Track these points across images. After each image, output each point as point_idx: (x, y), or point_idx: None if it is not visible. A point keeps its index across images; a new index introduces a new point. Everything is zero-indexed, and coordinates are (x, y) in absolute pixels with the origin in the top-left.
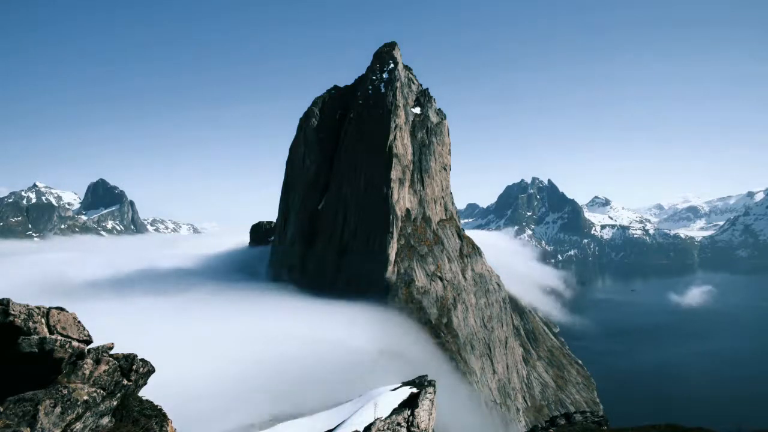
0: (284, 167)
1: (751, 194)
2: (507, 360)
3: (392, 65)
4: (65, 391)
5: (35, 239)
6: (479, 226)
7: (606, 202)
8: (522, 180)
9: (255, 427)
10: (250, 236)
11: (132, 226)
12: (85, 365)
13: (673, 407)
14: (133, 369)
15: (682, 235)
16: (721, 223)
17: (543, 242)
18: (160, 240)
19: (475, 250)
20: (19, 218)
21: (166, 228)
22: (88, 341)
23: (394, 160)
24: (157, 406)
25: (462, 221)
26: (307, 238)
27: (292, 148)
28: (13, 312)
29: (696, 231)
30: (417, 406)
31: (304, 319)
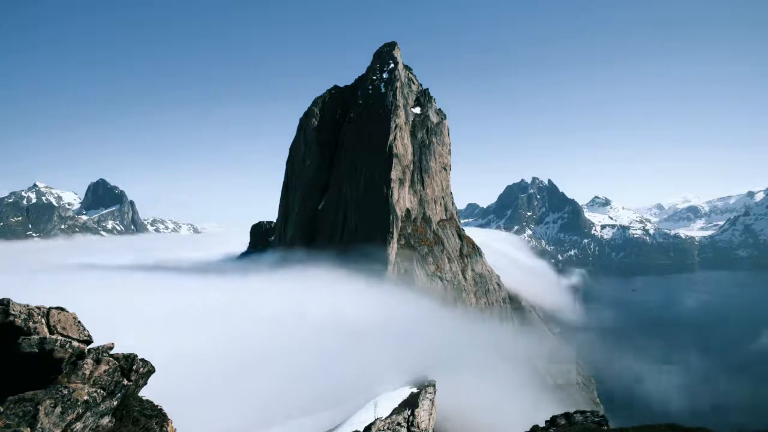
0: (284, 167)
1: (751, 194)
2: None
3: (392, 65)
4: (65, 391)
5: (35, 239)
6: (479, 226)
7: (606, 202)
8: (522, 180)
9: (256, 427)
10: (250, 236)
11: (132, 226)
12: (85, 365)
13: (673, 407)
14: (133, 369)
15: (682, 235)
16: (721, 223)
17: (543, 242)
18: (163, 239)
19: (475, 250)
20: (19, 218)
21: (166, 228)
22: (89, 341)
23: (394, 160)
24: (157, 406)
25: (462, 221)
26: (307, 238)
27: (292, 148)
28: (13, 312)
29: (696, 231)
30: (417, 406)
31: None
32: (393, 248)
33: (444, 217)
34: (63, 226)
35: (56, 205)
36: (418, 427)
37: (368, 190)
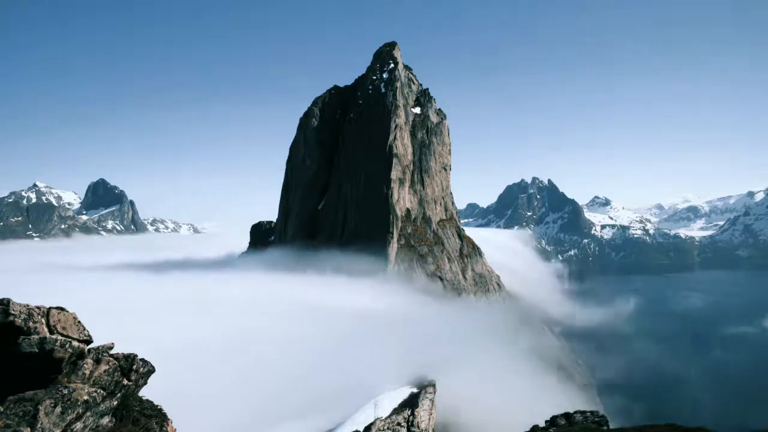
0: (284, 167)
1: (751, 194)
2: None
3: (392, 65)
4: (65, 391)
5: (35, 239)
6: (479, 226)
7: (606, 202)
8: (522, 180)
9: (256, 427)
10: (250, 236)
11: (132, 226)
12: (85, 365)
13: (673, 407)
14: (133, 369)
15: (682, 235)
16: (721, 223)
17: (543, 242)
18: (163, 239)
19: (475, 250)
20: (19, 218)
21: (166, 228)
22: (88, 341)
23: (394, 160)
24: (157, 406)
25: (462, 221)
26: (307, 237)
27: (292, 148)
28: (13, 312)
29: (696, 231)
30: (417, 406)
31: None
32: (393, 248)
33: (444, 217)
34: (63, 226)
35: (56, 205)
36: (418, 427)
37: (368, 190)
